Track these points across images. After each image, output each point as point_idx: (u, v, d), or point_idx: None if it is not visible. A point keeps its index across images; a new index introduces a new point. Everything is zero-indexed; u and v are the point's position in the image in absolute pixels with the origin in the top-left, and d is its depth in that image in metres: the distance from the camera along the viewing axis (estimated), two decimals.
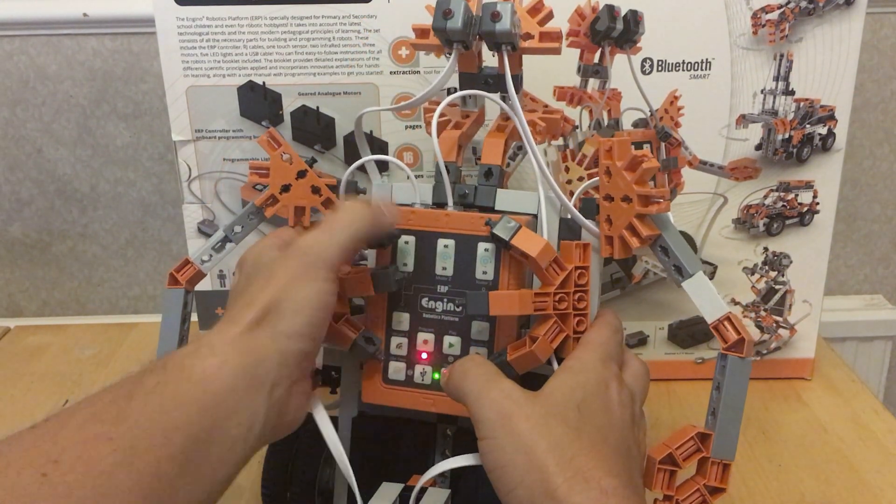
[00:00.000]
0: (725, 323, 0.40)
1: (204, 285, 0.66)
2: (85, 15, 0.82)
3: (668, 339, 0.68)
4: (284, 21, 0.59)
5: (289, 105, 0.61)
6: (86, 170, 0.90)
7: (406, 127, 0.62)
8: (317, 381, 0.49)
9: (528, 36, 0.44)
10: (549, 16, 0.44)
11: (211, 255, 0.49)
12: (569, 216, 0.45)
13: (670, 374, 0.68)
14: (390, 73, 0.60)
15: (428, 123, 0.49)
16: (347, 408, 0.49)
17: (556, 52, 0.44)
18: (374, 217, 0.42)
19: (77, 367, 0.76)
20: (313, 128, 0.61)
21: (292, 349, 0.38)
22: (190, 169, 0.63)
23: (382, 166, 0.62)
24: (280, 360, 0.38)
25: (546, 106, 0.54)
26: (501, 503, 0.37)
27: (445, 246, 0.44)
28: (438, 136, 0.47)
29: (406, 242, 0.45)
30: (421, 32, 0.46)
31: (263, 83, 0.61)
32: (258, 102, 0.61)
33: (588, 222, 0.44)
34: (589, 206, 0.45)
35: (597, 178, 0.43)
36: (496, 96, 0.46)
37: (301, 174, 0.48)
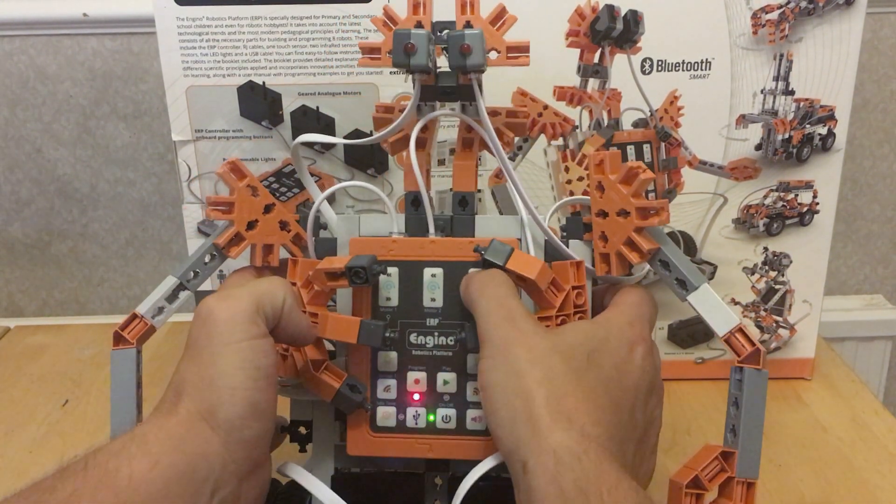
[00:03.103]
0: (738, 335, 0.39)
1: (205, 285, 0.66)
2: (85, 15, 0.82)
3: (668, 339, 0.68)
4: (284, 21, 0.59)
5: (289, 105, 0.61)
6: (86, 170, 0.90)
7: None
8: (281, 439, 0.46)
9: (492, 50, 0.40)
10: (513, 21, 0.40)
11: (164, 307, 0.43)
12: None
13: (670, 374, 0.68)
14: (390, 73, 0.60)
15: (400, 145, 0.44)
16: (322, 466, 0.44)
17: (525, 64, 0.40)
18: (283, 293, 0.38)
19: (77, 367, 0.76)
20: (313, 128, 0.61)
21: (237, 438, 0.34)
22: (190, 169, 0.63)
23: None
24: (225, 455, 0.33)
25: (515, 110, 0.46)
26: (487, 423, 0.36)
27: (433, 275, 0.41)
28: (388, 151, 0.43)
29: (388, 275, 0.41)
30: (370, 51, 0.41)
31: (263, 83, 0.61)
32: (258, 102, 0.61)
33: (568, 249, 0.42)
34: (574, 224, 0.43)
35: (578, 196, 0.41)
36: (456, 106, 0.43)
37: (268, 208, 0.44)
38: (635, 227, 0.39)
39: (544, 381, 0.34)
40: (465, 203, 0.43)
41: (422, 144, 0.43)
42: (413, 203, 0.43)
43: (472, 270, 0.41)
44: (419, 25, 0.39)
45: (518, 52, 0.40)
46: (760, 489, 0.56)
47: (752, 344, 0.38)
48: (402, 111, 0.43)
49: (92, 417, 0.67)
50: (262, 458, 0.36)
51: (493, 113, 0.43)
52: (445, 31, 0.39)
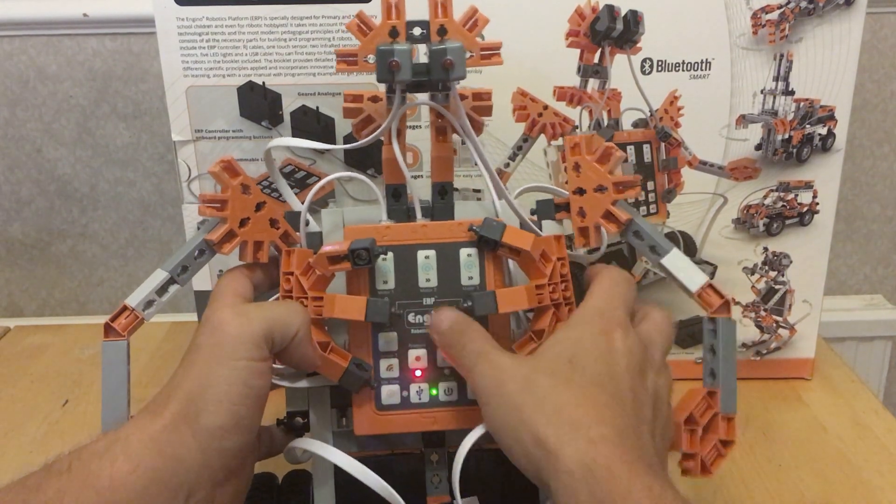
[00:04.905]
0: (708, 290, 0.43)
1: (204, 284, 0.66)
2: (85, 15, 0.82)
3: None
4: (284, 21, 0.59)
5: (289, 105, 0.61)
6: (86, 170, 0.90)
7: None
8: (288, 440, 0.46)
9: (466, 51, 0.41)
10: (485, 22, 0.41)
11: (154, 300, 0.43)
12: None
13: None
14: None
15: (365, 128, 0.46)
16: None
17: (498, 63, 0.42)
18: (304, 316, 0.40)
19: (77, 367, 0.76)
20: (313, 128, 0.61)
21: (216, 447, 0.35)
22: (190, 169, 0.63)
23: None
24: (202, 461, 0.34)
25: (480, 92, 0.47)
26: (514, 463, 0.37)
27: (426, 257, 0.43)
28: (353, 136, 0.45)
29: (384, 259, 0.43)
30: (347, 56, 0.42)
31: (263, 83, 0.61)
32: (258, 102, 0.61)
33: (543, 229, 0.46)
34: (545, 206, 0.46)
35: (542, 184, 0.44)
36: (425, 96, 0.44)
37: (259, 206, 0.45)
38: (612, 201, 0.43)
39: (538, 404, 0.35)
40: (444, 192, 0.45)
41: (398, 134, 0.45)
42: (394, 195, 0.45)
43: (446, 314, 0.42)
44: (395, 31, 0.40)
45: (490, 52, 0.42)
46: (760, 489, 0.56)
47: (721, 296, 0.43)
48: (371, 99, 0.46)
49: (92, 417, 0.67)
50: (240, 467, 0.38)
51: (461, 97, 0.44)
52: (426, 45, 0.41)
